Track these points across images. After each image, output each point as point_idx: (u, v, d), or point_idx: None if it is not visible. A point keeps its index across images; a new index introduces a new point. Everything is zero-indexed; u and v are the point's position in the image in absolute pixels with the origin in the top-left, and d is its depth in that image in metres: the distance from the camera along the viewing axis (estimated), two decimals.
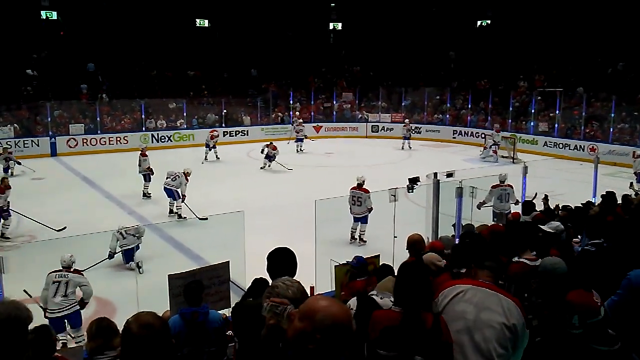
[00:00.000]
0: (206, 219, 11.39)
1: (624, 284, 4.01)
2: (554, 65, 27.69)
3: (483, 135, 24.85)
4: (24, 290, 7.26)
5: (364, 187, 11.60)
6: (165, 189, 13.31)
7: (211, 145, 21.66)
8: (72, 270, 7.59)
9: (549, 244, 5.14)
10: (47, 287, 7.32)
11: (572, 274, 4.01)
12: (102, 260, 9.72)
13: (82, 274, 7.73)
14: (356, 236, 11.67)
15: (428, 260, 5.12)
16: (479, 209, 11.14)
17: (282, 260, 3.45)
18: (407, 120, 26.62)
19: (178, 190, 13.20)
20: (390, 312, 3.05)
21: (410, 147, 25.05)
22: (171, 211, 13.45)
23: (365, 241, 11.49)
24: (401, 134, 25.89)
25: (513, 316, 2.90)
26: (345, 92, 31.60)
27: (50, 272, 7.47)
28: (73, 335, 7.37)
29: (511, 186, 11.70)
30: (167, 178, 13.34)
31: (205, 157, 21.45)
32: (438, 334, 2.84)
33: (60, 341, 7.26)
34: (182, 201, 13.18)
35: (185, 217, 13.01)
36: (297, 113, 28.19)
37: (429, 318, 2.88)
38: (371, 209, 11.44)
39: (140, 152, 15.79)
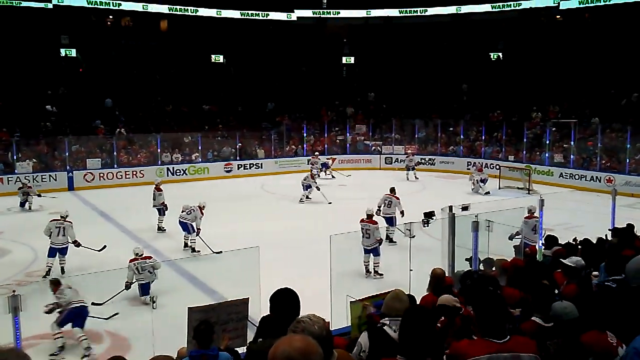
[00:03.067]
0: (220, 252, 11.41)
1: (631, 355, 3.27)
2: (568, 96, 27.70)
3: (498, 167, 24.72)
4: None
5: (372, 219, 11.61)
6: (180, 222, 13.39)
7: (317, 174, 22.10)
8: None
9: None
10: (52, 230, 11.78)
11: (587, 314, 3.93)
12: (120, 292, 9.75)
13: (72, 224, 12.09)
14: (370, 269, 11.60)
15: (445, 302, 5.07)
16: (511, 239, 10.98)
17: (285, 302, 3.45)
18: (409, 151, 26.71)
19: (193, 224, 13.27)
20: None
21: (417, 178, 24.90)
22: (186, 245, 13.51)
23: (381, 274, 11.42)
24: (404, 165, 25.99)
25: None
26: (359, 124, 31.77)
27: (52, 220, 12.03)
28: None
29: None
30: (182, 212, 13.43)
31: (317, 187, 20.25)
32: None
33: (47, 266, 11.67)
34: (197, 235, 13.22)
35: (199, 251, 13.09)
36: (317, 153, 27.18)
37: None
38: (381, 240, 11.47)
39: (155, 186, 15.94)
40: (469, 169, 27.22)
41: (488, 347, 3.05)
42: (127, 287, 9.84)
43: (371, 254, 11.54)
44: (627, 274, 4.50)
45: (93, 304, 9.39)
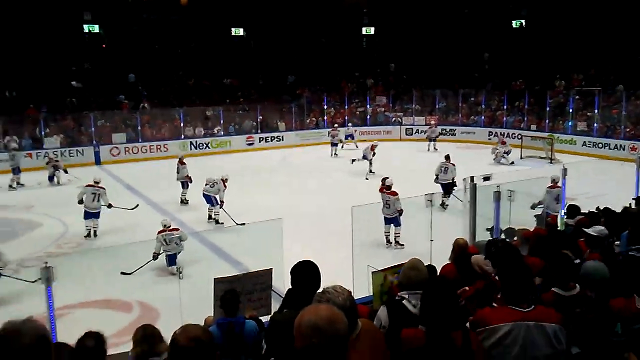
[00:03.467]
0: (244, 224, 11.61)
1: None
2: (592, 64, 27.15)
3: (520, 136, 24.48)
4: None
5: (392, 190, 11.65)
6: (204, 195, 13.63)
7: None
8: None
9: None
10: (86, 195, 12.64)
11: (615, 280, 3.98)
12: (147, 262, 10.04)
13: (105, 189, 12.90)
14: (391, 239, 11.70)
15: (475, 261, 5.14)
16: (533, 208, 10.99)
17: (306, 274, 3.49)
18: (432, 122, 26.61)
19: (216, 196, 13.50)
20: (417, 332, 3.02)
21: (437, 149, 24.63)
22: (210, 217, 13.75)
23: (402, 245, 11.50)
24: (426, 136, 25.90)
25: (560, 341, 2.99)
26: (379, 95, 31.58)
27: (87, 185, 12.95)
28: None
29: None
30: (205, 185, 13.66)
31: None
32: (469, 353, 2.83)
33: (86, 228, 12.69)
34: (221, 207, 13.46)
35: (222, 223, 13.34)
36: (336, 125, 27.02)
37: (459, 336, 2.86)
38: (401, 210, 11.38)
39: (178, 160, 16.19)
40: (490, 139, 27.02)
41: (512, 315, 3.05)
42: (155, 257, 10.11)
43: (392, 225, 11.63)
44: (581, 272, 4.43)
45: (122, 273, 9.76)
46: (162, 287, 9.53)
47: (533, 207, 11.00)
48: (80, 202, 12.68)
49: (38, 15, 28.96)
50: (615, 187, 14.88)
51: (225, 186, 13.62)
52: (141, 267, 9.93)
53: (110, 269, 9.72)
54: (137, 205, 13.75)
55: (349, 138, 25.84)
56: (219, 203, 13.50)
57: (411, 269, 3.90)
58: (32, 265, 8.70)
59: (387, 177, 12.05)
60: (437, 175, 14.62)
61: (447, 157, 15.23)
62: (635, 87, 23.96)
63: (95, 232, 12.73)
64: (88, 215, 12.65)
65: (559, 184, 11.41)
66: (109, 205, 12.93)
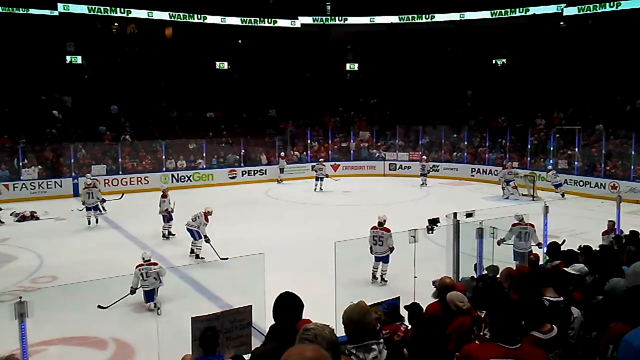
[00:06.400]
0: (227, 259, 11.43)
1: (622, 347, 3.32)
2: (572, 103, 27.70)
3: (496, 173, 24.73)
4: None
5: (385, 226, 11.56)
6: (187, 228, 13.41)
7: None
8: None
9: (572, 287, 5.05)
10: (83, 195, 17.09)
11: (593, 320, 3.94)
12: (125, 296, 9.77)
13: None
14: (377, 275, 11.56)
15: (450, 299, 5.05)
16: (499, 245, 10.97)
17: (288, 305, 3.45)
18: (424, 157, 26.79)
19: (198, 230, 13.29)
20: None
21: (425, 184, 25.04)
22: (192, 251, 13.51)
23: (386, 281, 11.39)
24: (418, 171, 26.02)
25: None
26: (363, 130, 31.82)
27: (83, 188, 17.24)
28: None
29: (532, 225, 11.51)
30: (191, 218, 13.45)
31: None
32: None
33: (87, 218, 17.12)
34: (206, 242, 13.16)
35: (203, 258, 13.09)
36: (322, 160, 26.58)
37: None
38: (393, 248, 11.30)
39: (161, 193, 16.00)
40: (472, 176, 27.25)
41: (499, 352, 3.08)
42: (132, 292, 9.86)
43: (381, 262, 11.47)
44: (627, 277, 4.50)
45: (99, 306, 9.49)
46: (139, 323, 9.29)
47: (499, 243, 10.92)
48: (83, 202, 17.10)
49: (20, 44, 28.97)
50: (596, 224, 14.96)
51: (207, 220, 13.41)
52: (117, 301, 9.66)
53: (86, 304, 9.46)
54: (123, 194, 16.61)
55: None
56: (202, 237, 13.25)
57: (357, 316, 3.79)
58: (6, 300, 8.43)
59: (382, 214, 11.88)
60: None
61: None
62: (614, 127, 24.42)
63: (97, 220, 17.17)
64: (88, 209, 17.07)
65: (527, 222, 11.44)
66: (102, 201, 17.65)
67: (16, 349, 5.78)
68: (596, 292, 5.79)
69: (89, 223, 16.93)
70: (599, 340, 3.64)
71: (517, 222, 11.49)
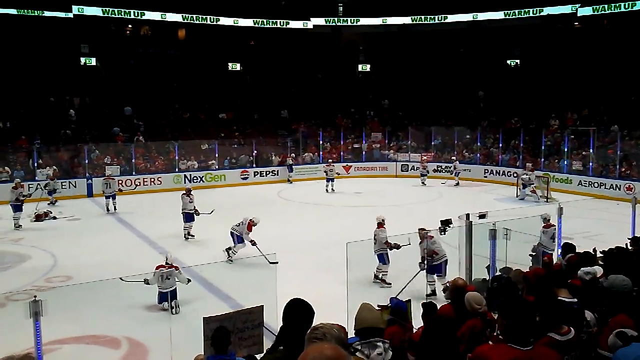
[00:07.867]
0: (277, 262, 10.57)
1: None
2: (586, 103, 27.46)
3: (515, 175, 24.56)
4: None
5: (379, 223, 11.33)
6: (230, 232, 13.01)
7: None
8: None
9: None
10: (102, 184, 19.28)
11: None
12: (138, 282, 9.32)
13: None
14: (377, 275, 11.27)
15: (468, 300, 5.04)
16: (534, 252, 10.69)
17: (298, 313, 3.39)
18: (424, 158, 26.88)
19: (240, 235, 12.83)
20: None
21: (425, 184, 25.52)
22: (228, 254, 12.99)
23: (389, 283, 10.95)
24: (419, 172, 26.48)
25: None
26: (375, 132, 31.76)
27: (103, 178, 19.53)
28: None
29: (553, 225, 11.38)
30: (235, 224, 13.08)
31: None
32: None
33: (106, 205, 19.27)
34: (252, 244, 12.48)
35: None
36: (331, 161, 26.37)
37: None
38: (389, 243, 10.96)
39: (185, 191, 15.63)
40: (485, 177, 27.09)
41: (511, 353, 3.05)
42: (146, 282, 9.55)
43: (378, 262, 11.20)
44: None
45: (120, 279, 8.75)
46: (153, 323, 9.29)
47: (534, 250, 10.72)
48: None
49: (35, 46, 29.29)
50: (611, 226, 14.84)
51: (250, 229, 12.77)
52: (136, 281, 9.21)
53: (100, 303, 9.50)
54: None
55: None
56: (243, 242, 12.77)
57: (364, 311, 3.90)
58: (21, 299, 8.50)
59: (379, 215, 11.74)
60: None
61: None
62: (629, 127, 24.17)
63: (115, 207, 19.33)
64: (107, 197, 19.26)
65: (552, 222, 11.33)
66: (118, 192, 19.74)
67: (30, 347, 5.83)
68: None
69: (108, 210, 19.26)
70: (599, 336, 3.65)
71: (547, 223, 11.33)
